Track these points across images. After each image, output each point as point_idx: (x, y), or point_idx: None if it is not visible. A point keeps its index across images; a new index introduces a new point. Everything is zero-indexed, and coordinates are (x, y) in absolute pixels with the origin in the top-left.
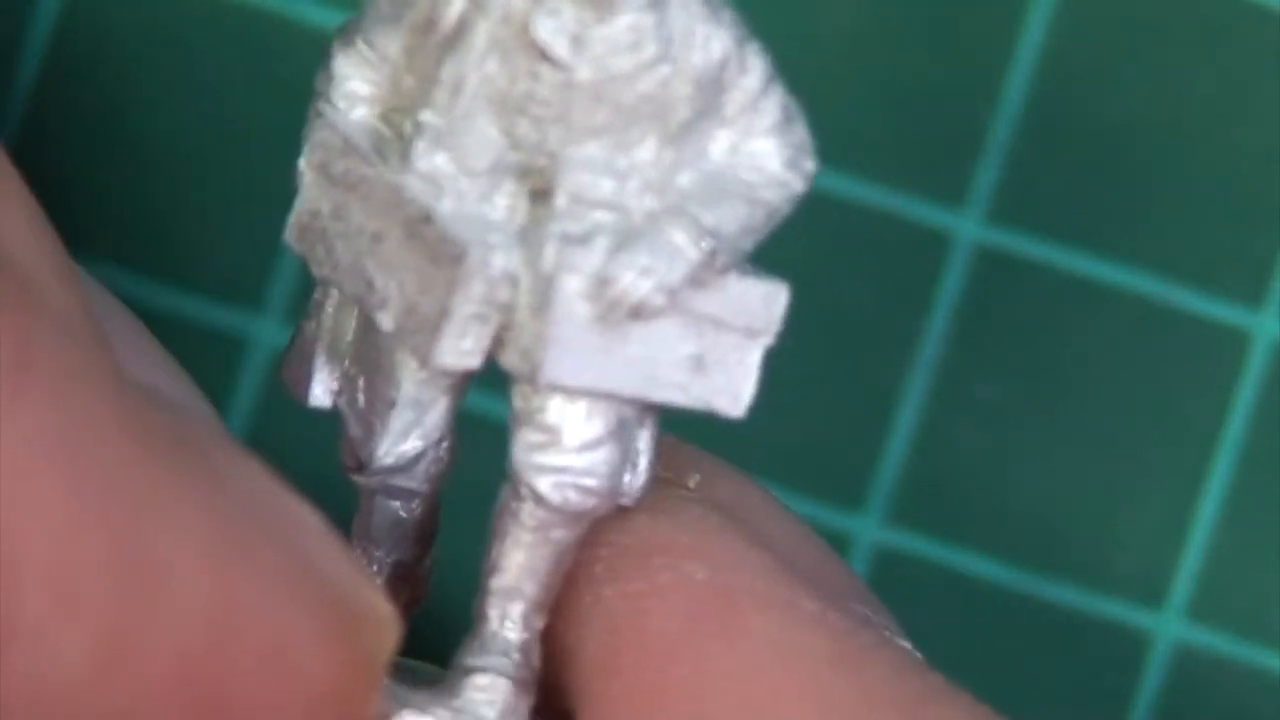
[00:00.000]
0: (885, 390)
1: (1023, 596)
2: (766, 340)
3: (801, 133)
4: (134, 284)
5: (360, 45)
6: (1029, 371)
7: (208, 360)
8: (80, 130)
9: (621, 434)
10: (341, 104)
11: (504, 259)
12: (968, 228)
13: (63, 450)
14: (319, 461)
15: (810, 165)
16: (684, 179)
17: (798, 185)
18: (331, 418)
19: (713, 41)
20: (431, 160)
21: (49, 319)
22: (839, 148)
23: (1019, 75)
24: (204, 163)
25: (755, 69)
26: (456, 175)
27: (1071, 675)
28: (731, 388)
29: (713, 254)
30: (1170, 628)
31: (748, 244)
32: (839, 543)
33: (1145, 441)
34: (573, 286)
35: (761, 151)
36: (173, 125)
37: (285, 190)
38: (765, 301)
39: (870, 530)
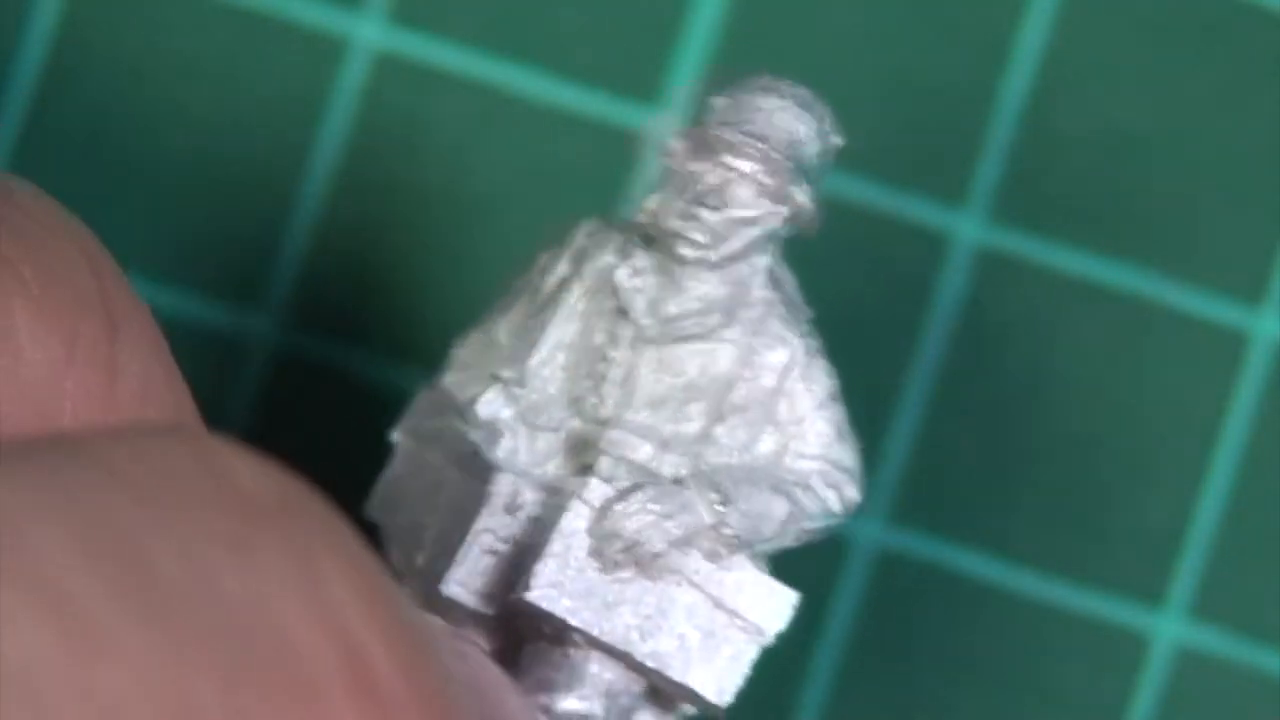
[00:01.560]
0: (885, 390)
1: (1023, 596)
2: (765, 641)
3: (849, 457)
4: (134, 284)
5: (475, 333)
6: (1029, 371)
7: (208, 360)
8: (80, 129)
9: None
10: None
11: (532, 496)
12: (968, 228)
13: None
14: (319, 462)
15: (852, 492)
16: (722, 459)
17: (833, 504)
18: (332, 417)
19: (781, 342)
20: (495, 410)
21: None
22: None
23: (1019, 75)
24: (204, 163)
25: (819, 383)
26: (515, 429)
27: (1071, 675)
28: (720, 678)
29: (724, 521)
30: (1170, 628)
31: (768, 531)
32: (839, 543)
33: (1145, 441)
34: (580, 513)
35: (808, 456)
36: (173, 125)
37: (285, 190)
38: (774, 602)
39: (871, 530)
